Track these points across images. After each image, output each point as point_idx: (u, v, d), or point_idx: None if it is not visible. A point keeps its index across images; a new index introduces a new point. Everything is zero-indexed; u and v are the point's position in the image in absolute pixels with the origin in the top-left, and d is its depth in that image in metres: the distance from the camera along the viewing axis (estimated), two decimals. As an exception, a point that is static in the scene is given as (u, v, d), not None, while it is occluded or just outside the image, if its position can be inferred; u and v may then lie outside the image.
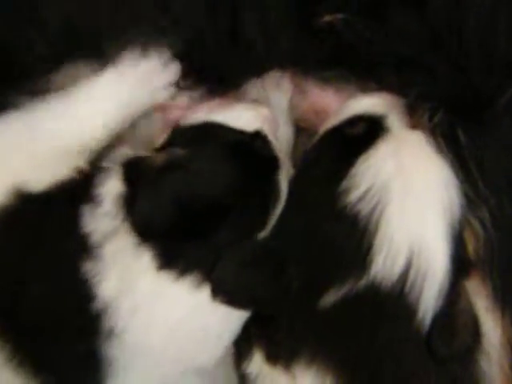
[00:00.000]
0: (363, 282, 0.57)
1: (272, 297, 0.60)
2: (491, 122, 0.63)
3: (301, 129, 0.76)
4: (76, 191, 0.65)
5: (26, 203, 0.65)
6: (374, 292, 0.57)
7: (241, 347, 0.65)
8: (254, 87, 0.73)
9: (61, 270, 0.64)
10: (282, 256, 0.60)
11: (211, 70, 0.71)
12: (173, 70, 0.70)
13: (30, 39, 0.68)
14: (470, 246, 0.62)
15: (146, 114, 0.72)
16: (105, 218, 0.63)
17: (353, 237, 0.58)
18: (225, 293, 0.59)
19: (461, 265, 0.60)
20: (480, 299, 0.64)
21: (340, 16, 0.66)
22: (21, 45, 0.68)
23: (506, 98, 0.62)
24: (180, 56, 0.69)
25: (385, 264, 0.57)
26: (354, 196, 0.59)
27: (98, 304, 0.62)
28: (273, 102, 0.75)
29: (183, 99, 0.73)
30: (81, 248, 0.63)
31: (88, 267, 0.62)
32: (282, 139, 0.73)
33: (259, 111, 0.70)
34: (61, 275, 0.64)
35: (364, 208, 0.58)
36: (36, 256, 0.64)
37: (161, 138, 0.71)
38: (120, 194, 0.64)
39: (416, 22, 0.65)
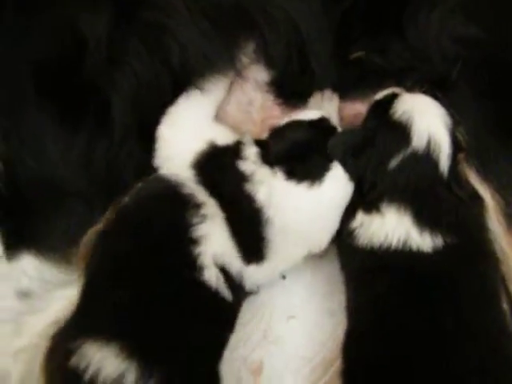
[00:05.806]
0: (409, 151, 1.12)
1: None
2: (452, 86, 1.23)
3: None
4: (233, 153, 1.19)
5: (215, 151, 1.18)
6: (415, 155, 1.12)
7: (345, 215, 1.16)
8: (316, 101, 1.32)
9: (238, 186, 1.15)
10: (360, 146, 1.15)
11: (292, 90, 1.30)
12: None
13: None
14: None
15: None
16: (251, 163, 1.16)
17: (401, 131, 1.14)
18: (334, 153, 1.13)
19: (456, 144, 1.15)
20: (471, 174, 1.17)
21: (364, 52, 1.28)
22: None
23: (454, 74, 1.22)
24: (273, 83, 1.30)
25: (417, 141, 1.12)
26: (397, 115, 1.15)
27: (257, 203, 1.13)
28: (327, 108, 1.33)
29: (276, 111, 1.31)
30: (243, 178, 1.15)
31: (249, 188, 1.14)
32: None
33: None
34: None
35: (403, 120, 1.14)
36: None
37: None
38: (257, 151, 1.18)
39: (403, 49, 1.27)
